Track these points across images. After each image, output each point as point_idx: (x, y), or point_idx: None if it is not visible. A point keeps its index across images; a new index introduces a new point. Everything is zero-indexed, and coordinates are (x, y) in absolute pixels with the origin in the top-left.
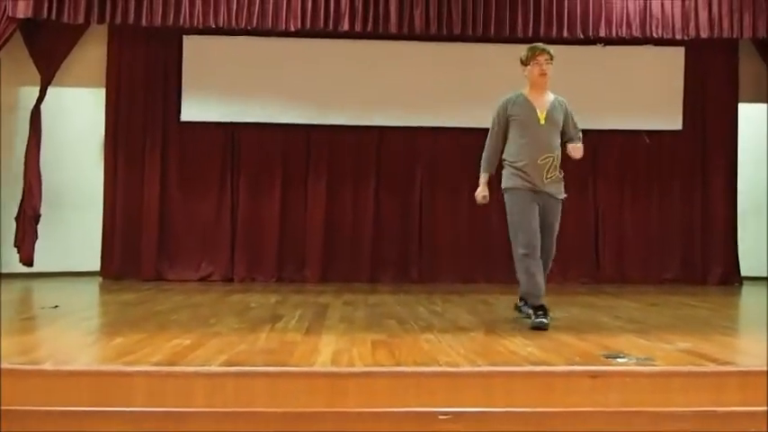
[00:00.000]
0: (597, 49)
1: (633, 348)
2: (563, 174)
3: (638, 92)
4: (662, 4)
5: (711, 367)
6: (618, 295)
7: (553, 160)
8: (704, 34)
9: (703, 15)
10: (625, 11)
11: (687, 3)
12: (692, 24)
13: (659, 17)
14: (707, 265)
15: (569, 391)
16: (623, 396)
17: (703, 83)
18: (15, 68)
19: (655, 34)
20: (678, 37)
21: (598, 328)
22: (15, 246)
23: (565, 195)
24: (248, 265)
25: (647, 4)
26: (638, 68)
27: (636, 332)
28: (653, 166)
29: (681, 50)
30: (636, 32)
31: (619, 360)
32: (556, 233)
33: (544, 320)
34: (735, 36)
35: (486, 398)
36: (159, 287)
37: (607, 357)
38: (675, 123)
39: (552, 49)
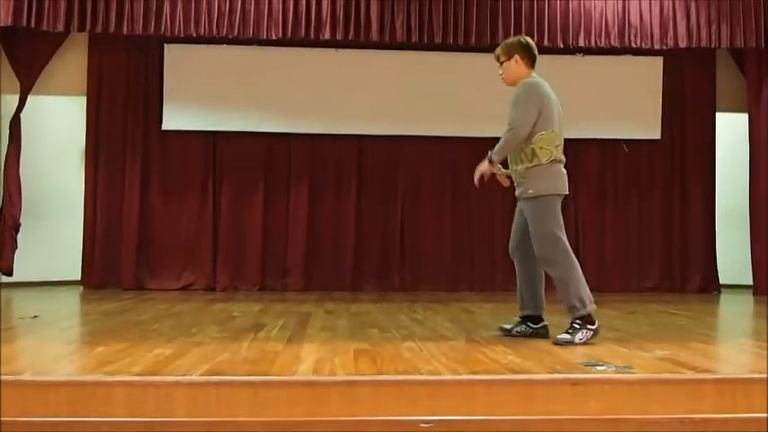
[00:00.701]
0: (576, 59)
1: (613, 356)
2: (525, 166)
3: (616, 101)
4: (640, 14)
5: (689, 375)
6: (598, 303)
7: (510, 158)
8: (682, 44)
9: (681, 25)
10: (604, 20)
11: (665, 13)
12: (670, 34)
13: (638, 27)
14: (686, 273)
15: (550, 399)
16: (603, 404)
17: (681, 92)
18: None
19: (633, 44)
20: (656, 47)
21: None
22: None
23: (530, 192)
24: (230, 274)
25: (626, 14)
26: (616, 78)
27: (615, 340)
28: (632, 175)
29: (659, 60)
30: (614, 42)
31: (598, 368)
32: (535, 236)
33: (502, 326)
34: (713, 46)
35: (467, 406)
36: (140, 296)
37: (587, 365)
38: (654, 132)
39: (499, 48)
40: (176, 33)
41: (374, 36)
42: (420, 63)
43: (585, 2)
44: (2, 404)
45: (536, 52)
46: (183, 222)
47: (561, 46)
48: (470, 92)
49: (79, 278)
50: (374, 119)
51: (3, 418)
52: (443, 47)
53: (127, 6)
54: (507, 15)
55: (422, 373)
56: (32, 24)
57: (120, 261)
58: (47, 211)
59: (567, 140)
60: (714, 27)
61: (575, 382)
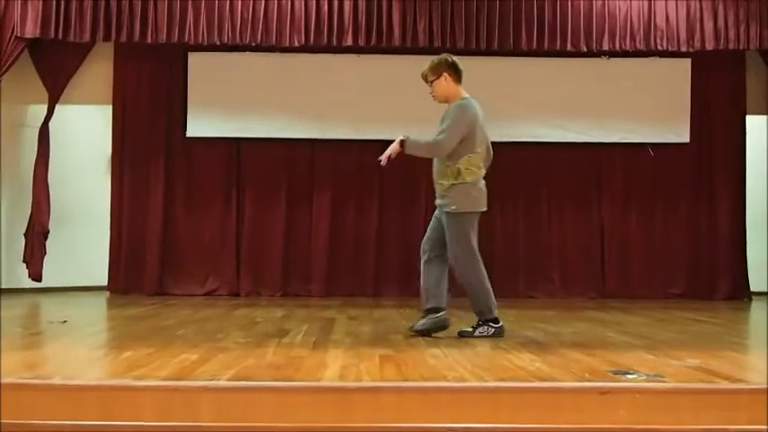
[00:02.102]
0: (601, 62)
1: (642, 364)
2: (451, 182)
3: (643, 104)
4: (666, 16)
5: (722, 384)
6: (625, 310)
7: (435, 172)
8: (710, 46)
9: (709, 27)
10: (629, 23)
11: (692, 14)
12: (697, 36)
13: (664, 29)
14: (715, 279)
15: (577, 408)
16: (632, 413)
17: (710, 95)
18: (23, 86)
19: (660, 46)
20: (683, 49)
21: (606, 343)
22: (24, 261)
23: (452, 208)
24: (254, 280)
25: (652, 16)
26: (643, 81)
27: (644, 348)
28: (659, 179)
29: (687, 62)
30: (640, 45)
31: (628, 376)
32: (451, 249)
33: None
34: (741, 47)
35: (493, 414)
36: (165, 302)
37: (616, 373)
38: (682, 136)
39: (426, 65)
40: (200, 41)
41: (396, 41)
42: None
43: (610, 4)
44: (26, 407)
45: (462, 68)
46: (206, 228)
47: (585, 49)
48: (493, 96)
49: (106, 284)
50: (397, 124)
51: (33, 421)
52: (466, 51)
53: (151, 16)
54: (530, 19)
55: (447, 380)
56: (59, 35)
57: (145, 267)
58: (74, 217)
59: (593, 144)
60: (743, 28)
61: (603, 391)
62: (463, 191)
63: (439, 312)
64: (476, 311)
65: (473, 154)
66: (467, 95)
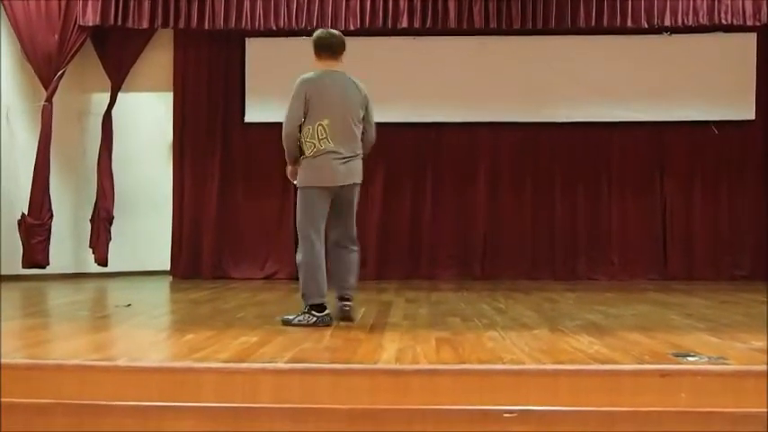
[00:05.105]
0: (663, 39)
1: (704, 347)
2: (302, 158)
3: (707, 81)
4: None
5: None
6: (687, 292)
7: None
8: None
9: None
10: None
11: None
12: (764, 9)
13: (729, 3)
14: None
15: (637, 391)
16: (694, 396)
17: None
18: (87, 75)
19: (724, 21)
20: (749, 23)
21: (667, 325)
22: (90, 247)
23: (295, 183)
24: None
25: None
26: (706, 57)
27: (707, 330)
28: (723, 158)
29: (752, 36)
30: (704, 20)
31: (689, 359)
32: (296, 222)
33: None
34: None
35: (551, 397)
36: (226, 285)
37: (677, 356)
38: (747, 113)
39: None
40: (257, 27)
41: (452, 23)
42: (499, 49)
43: None
44: (93, 388)
45: (326, 42)
46: (265, 212)
47: (646, 26)
48: (551, 76)
49: (168, 268)
50: (452, 106)
51: (99, 402)
52: (523, 31)
53: (208, 2)
54: None
55: (505, 363)
56: (119, 23)
57: (206, 251)
58: (137, 203)
59: (655, 123)
60: None
61: (664, 374)
62: (304, 165)
63: (322, 311)
64: (301, 293)
65: (313, 126)
66: (319, 70)
